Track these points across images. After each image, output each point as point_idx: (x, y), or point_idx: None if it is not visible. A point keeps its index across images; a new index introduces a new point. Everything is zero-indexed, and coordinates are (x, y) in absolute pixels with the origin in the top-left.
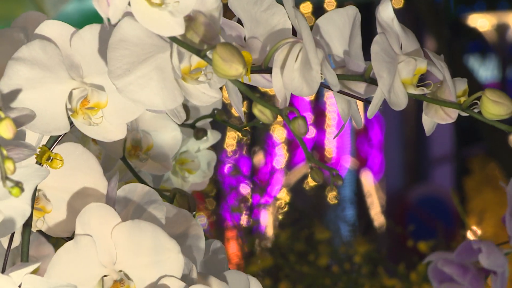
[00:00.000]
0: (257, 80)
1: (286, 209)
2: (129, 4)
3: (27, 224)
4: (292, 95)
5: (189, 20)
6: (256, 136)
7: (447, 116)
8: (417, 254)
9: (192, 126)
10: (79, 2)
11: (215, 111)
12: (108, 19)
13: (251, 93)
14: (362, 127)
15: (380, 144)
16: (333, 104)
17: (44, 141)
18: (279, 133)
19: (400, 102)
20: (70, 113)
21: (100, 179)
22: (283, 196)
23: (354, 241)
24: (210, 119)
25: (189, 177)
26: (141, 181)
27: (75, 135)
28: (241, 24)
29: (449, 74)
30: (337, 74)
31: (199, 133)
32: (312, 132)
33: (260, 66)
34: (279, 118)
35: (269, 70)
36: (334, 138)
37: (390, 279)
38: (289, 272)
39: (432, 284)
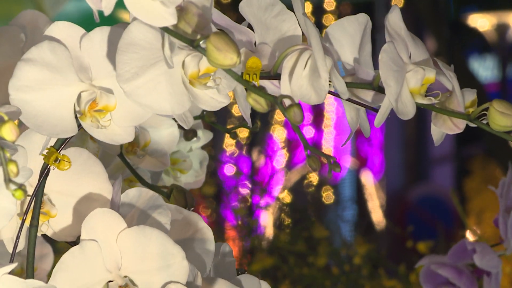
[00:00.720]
0: (266, 86)
1: (286, 209)
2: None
3: (34, 225)
4: None
5: (181, 10)
6: (256, 136)
7: (455, 126)
8: (417, 255)
9: (181, 127)
10: (79, 2)
11: (204, 113)
12: (98, 12)
13: (245, 82)
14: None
15: (380, 144)
16: (331, 104)
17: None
18: (279, 133)
19: (407, 111)
20: (78, 115)
21: (106, 184)
22: (283, 196)
23: (354, 242)
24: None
25: (181, 177)
26: (139, 177)
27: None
28: (252, 29)
29: (458, 84)
30: (346, 82)
31: (189, 134)
32: (311, 132)
33: (270, 72)
34: (280, 119)
35: (278, 77)
36: (342, 146)
37: (390, 279)
38: (289, 272)
39: None
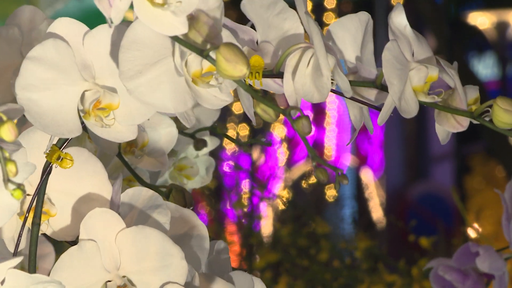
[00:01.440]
0: (269, 84)
1: (286, 206)
2: (131, 5)
3: (36, 223)
4: None
5: (191, 19)
6: (257, 134)
7: (458, 124)
8: (417, 250)
9: (192, 136)
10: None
11: (216, 124)
12: (111, 19)
13: (254, 93)
14: (362, 125)
15: (380, 142)
16: (333, 102)
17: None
18: (279, 131)
19: (410, 109)
20: (81, 114)
21: (105, 184)
22: (284, 193)
23: (354, 239)
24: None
25: (188, 183)
26: (138, 177)
27: None
28: (254, 28)
29: (460, 82)
30: (349, 80)
31: (199, 144)
32: (312, 130)
33: (272, 70)
34: (280, 116)
35: (280, 75)
36: (347, 145)
37: (390, 274)
38: (290, 267)
39: None
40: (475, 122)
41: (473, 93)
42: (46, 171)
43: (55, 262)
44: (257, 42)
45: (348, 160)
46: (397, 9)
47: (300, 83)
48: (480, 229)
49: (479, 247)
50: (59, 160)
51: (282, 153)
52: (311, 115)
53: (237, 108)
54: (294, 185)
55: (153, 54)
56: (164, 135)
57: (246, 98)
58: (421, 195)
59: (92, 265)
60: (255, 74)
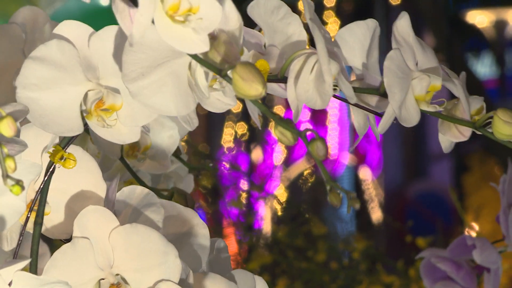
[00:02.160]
0: (274, 88)
1: (284, 205)
2: (152, 21)
3: (38, 222)
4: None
5: (212, 38)
6: (255, 132)
7: (460, 134)
8: (415, 250)
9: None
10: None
11: None
12: (106, 8)
13: (271, 114)
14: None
15: (378, 141)
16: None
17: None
18: None
19: (411, 118)
20: (84, 114)
21: (99, 182)
22: (281, 192)
23: (353, 238)
24: None
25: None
26: (139, 180)
27: None
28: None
29: (463, 92)
30: (352, 87)
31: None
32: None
33: (277, 75)
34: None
35: (285, 80)
36: (349, 150)
37: (388, 275)
38: (287, 268)
39: (424, 282)
40: (477, 132)
41: (477, 103)
42: (49, 171)
43: None
44: (264, 46)
45: (347, 159)
46: (402, 17)
47: (302, 89)
48: (478, 228)
49: (475, 239)
50: (62, 160)
51: (280, 152)
52: (311, 114)
53: (235, 107)
54: (292, 184)
55: (157, 56)
56: (166, 138)
57: (252, 103)
58: (419, 194)
59: (85, 263)
60: None
